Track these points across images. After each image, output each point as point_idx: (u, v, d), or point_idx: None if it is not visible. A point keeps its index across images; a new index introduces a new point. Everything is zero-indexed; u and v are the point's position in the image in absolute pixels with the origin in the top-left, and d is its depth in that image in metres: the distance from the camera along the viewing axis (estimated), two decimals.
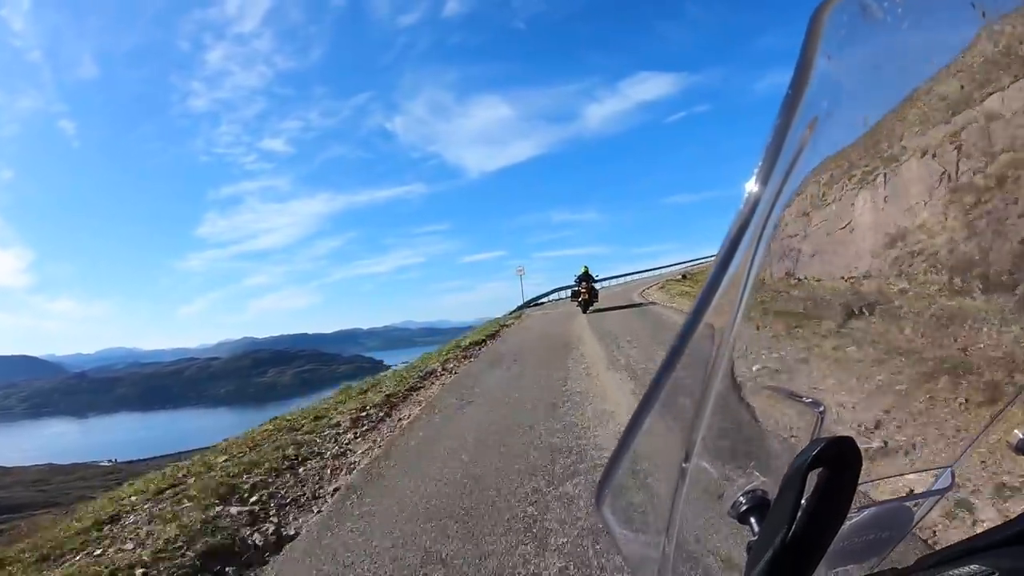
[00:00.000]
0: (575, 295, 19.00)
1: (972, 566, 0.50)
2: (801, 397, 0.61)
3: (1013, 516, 0.59)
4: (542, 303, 31.14)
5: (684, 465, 0.45)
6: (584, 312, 17.84)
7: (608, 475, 0.44)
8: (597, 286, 19.88)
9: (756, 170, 0.38)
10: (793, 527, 0.46)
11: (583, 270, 18.69)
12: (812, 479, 0.46)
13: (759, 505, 0.53)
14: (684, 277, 26.90)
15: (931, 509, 0.72)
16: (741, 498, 0.54)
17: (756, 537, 0.50)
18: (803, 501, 0.46)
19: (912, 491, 0.73)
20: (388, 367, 12.12)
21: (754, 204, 0.37)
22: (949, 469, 0.73)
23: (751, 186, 0.37)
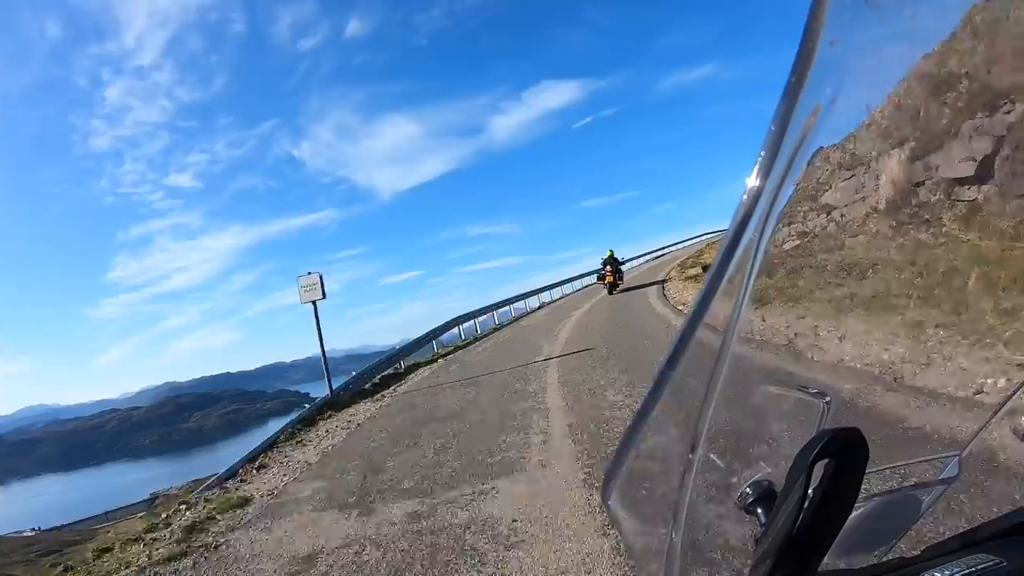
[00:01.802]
0: (601, 278, 19.82)
1: (979, 556, 0.50)
2: (807, 388, 0.61)
3: (1018, 506, 0.59)
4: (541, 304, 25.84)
5: (690, 456, 0.45)
6: (610, 293, 18.82)
7: (614, 468, 0.44)
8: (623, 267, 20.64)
9: (759, 159, 0.37)
10: (800, 518, 0.46)
11: (609, 254, 19.43)
12: (819, 469, 0.46)
13: (766, 496, 0.52)
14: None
15: (938, 498, 0.71)
16: (747, 489, 0.53)
17: (763, 528, 0.50)
18: (810, 492, 0.46)
19: (919, 480, 0.72)
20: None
21: (757, 193, 0.37)
22: (956, 458, 0.72)
23: (754, 176, 0.37)
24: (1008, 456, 2.72)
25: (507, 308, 21.71)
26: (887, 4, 0.39)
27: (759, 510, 0.52)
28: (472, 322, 18.38)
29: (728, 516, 0.55)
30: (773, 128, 0.37)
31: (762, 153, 0.37)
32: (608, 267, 19.05)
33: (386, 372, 12.97)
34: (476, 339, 16.96)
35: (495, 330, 18.56)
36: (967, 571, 0.48)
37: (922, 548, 0.60)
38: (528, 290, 23.95)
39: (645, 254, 34.44)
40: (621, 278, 19.63)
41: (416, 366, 13.63)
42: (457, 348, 15.63)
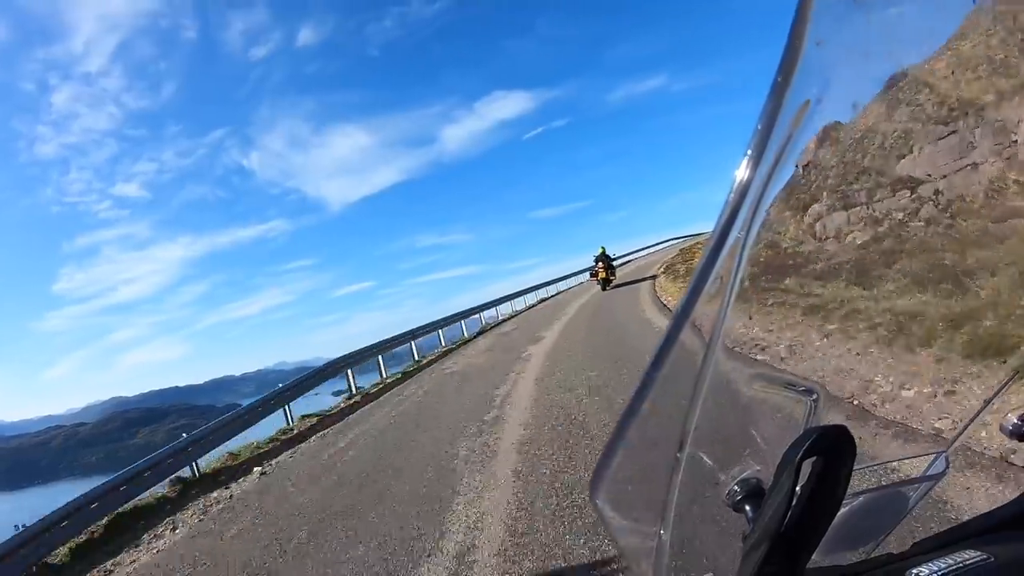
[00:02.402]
0: (594, 275, 19.95)
1: (968, 551, 0.50)
2: (795, 385, 0.61)
3: (1006, 501, 0.60)
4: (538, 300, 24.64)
5: (678, 454, 0.45)
6: (604, 290, 18.82)
7: (603, 466, 0.44)
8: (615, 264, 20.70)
9: (746, 156, 0.37)
10: (788, 515, 0.46)
11: (600, 251, 19.49)
12: (807, 467, 0.46)
13: (754, 493, 0.53)
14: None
15: (926, 494, 0.72)
16: (736, 487, 0.54)
17: (751, 525, 0.50)
18: (798, 489, 0.46)
19: (907, 476, 0.73)
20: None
21: (744, 190, 0.37)
22: (943, 454, 0.73)
23: (741, 172, 0.37)
24: (994, 452, 2.75)
25: (479, 315, 18.89)
26: (874, 4, 0.39)
27: (747, 507, 0.52)
28: (421, 340, 14.87)
29: (716, 513, 0.55)
30: (760, 127, 0.37)
31: (748, 152, 0.37)
32: (600, 264, 19.20)
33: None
34: (410, 371, 12.54)
35: (442, 354, 14.11)
36: (954, 566, 0.48)
37: (910, 544, 0.61)
38: (499, 296, 20.87)
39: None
40: (613, 274, 19.78)
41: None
42: (398, 380, 11.58)
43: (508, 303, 21.44)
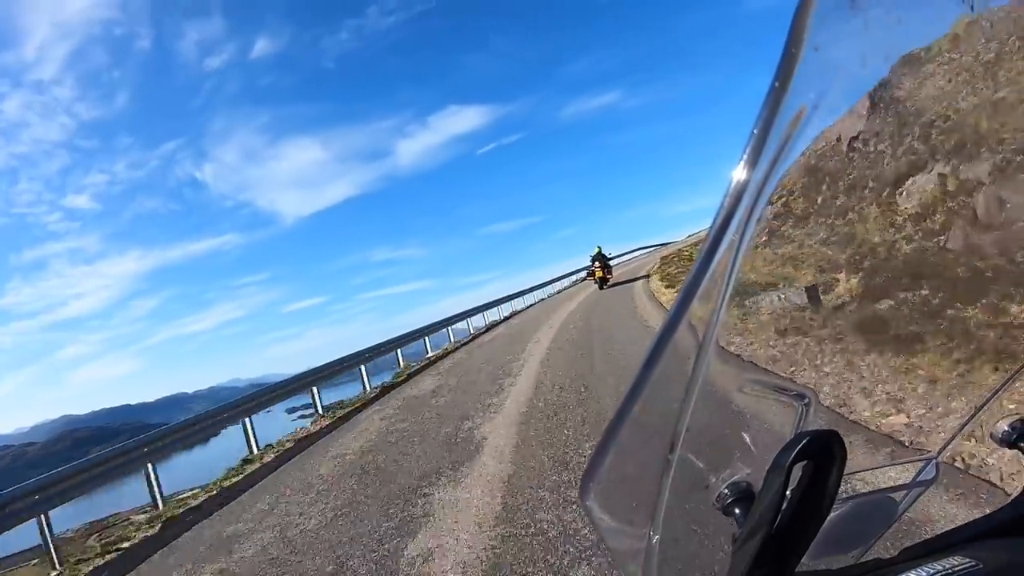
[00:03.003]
0: (591, 274, 20.20)
1: (956, 557, 0.50)
2: (786, 389, 0.61)
3: (995, 508, 0.60)
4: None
5: (669, 456, 0.45)
6: (601, 288, 19.01)
7: (593, 468, 0.44)
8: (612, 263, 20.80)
9: (742, 161, 0.37)
10: (778, 519, 0.46)
11: (597, 250, 19.63)
12: (797, 471, 0.46)
13: (744, 497, 0.53)
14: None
15: (915, 500, 0.72)
16: (726, 490, 0.54)
17: (741, 529, 0.50)
18: (788, 493, 0.46)
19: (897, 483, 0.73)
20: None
21: (739, 194, 0.37)
22: (934, 460, 0.73)
23: (738, 175, 0.37)
24: (984, 458, 2.77)
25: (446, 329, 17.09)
26: (873, 10, 0.39)
27: (737, 510, 0.52)
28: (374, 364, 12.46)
29: (707, 516, 0.55)
30: (756, 132, 0.37)
31: (744, 156, 0.37)
32: (597, 263, 19.33)
33: None
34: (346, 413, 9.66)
35: (398, 381, 11.69)
36: (943, 573, 0.48)
37: (899, 550, 0.61)
38: (472, 307, 19.19)
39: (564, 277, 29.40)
40: (610, 272, 19.93)
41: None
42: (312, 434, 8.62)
43: (479, 315, 19.88)
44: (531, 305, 23.42)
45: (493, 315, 21.23)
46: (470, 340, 16.93)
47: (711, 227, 0.38)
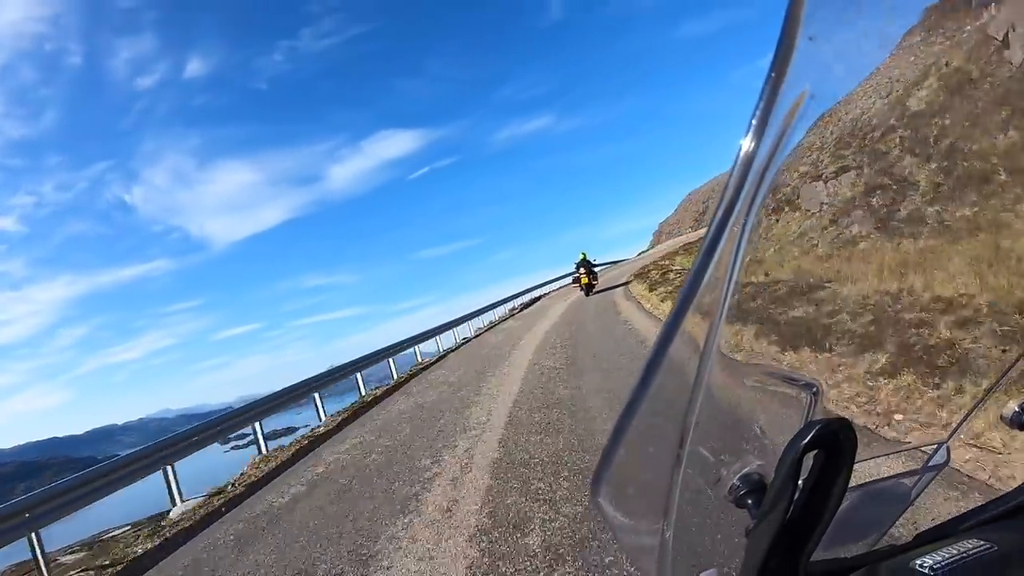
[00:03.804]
0: (576, 280, 19.88)
1: (970, 540, 0.50)
2: (795, 379, 0.61)
3: (1008, 489, 0.60)
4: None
5: (679, 451, 0.45)
6: (587, 295, 18.78)
7: (604, 464, 0.44)
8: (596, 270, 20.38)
9: (742, 151, 0.37)
10: (791, 509, 0.46)
11: (582, 257, 19.49)
12: (808, 460, 0.46)
13: (756, 488, 0.53)
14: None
15: (927, 485, 0.72)
16: (737, 482, 0.53)
17: (754, 520, 0.50)
18: (800, 483, 0.46)
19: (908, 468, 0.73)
20: None
21: (739, 185, 0.37)
22: (944, 445, 0.73)
23: (736, 169, 0.37)
24: (995, 442, 2.76)
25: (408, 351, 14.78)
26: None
27: (750, 502, 0.52)
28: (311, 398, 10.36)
29: (719, 509, 0.55)
30: (754, 122, 0.37)
31: (743, 147, 0.37)
32: (582, 269, 19.25)
33: None
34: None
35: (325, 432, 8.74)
36: (958, 556, 0.48)
37: (913, 535, 0.61)
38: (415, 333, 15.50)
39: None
40: (595, 279, 19.77)
41: None
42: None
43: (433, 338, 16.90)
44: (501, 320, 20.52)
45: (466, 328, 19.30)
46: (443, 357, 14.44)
47: (713, 219, 0.38)
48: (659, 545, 0.48)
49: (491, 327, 19.71)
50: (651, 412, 0.42)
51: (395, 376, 13.20)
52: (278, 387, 10.52)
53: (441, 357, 15.07)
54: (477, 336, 18.30)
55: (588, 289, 19.03)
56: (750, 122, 0.37)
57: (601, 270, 26.04)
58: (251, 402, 9.50)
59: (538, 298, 27.48)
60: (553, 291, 29.00)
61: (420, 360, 15.10)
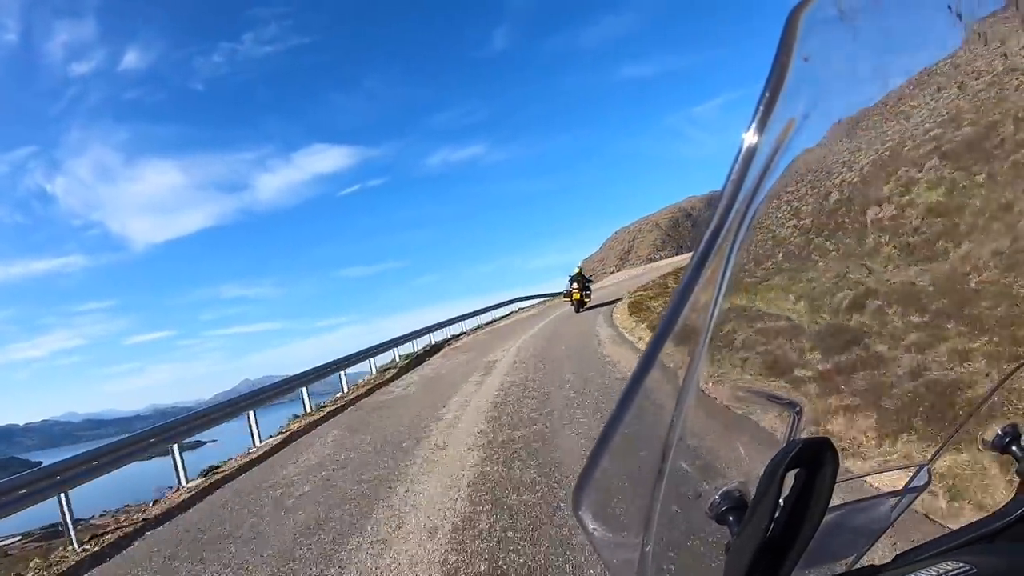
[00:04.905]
0: (567, 295, 19.07)
1: (950, 563, 0.50)
2: (778, 397, 0.61)
3: (988, 513, 0.60)
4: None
5: (661, 465, 0.45)
6: (577, 311, 18.06)
7: (585, 477, 0.44)
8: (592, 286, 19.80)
9: (734, 168, 0.37)
10: (771, 527, 0.46)
11: (577, 271, 18.95)
12: (790, 479, 0.46)
13: (737, 505, 0.53)
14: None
15: (908, 507, 0.72)
16: (719, 498, 0.53)
17: (734, 537, 0.50)
18: (781, 501, 0.46)
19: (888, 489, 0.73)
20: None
21: (729, 205, 0.37)
22: (925, 467, 0.73)
23: (727, 189, 0.37)
24: (976, 464, 2.78)
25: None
26: (862, 21, 0.40)
27: (731, 519, 0.52)
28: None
29: (700, 525, 0.55)
30: (747, 142, 0.37)
31: (735, 167, 0.37)
32: (575, 284, 18.67)
33: None
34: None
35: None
36: None
37: (892, 556, 0.61)
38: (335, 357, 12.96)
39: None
40: (588, 296, 19.10)
41: None
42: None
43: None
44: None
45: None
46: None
47: (705, 234, 0.38)
48: (639, 559, 0.48)
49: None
50: (634, 426, 0.42)
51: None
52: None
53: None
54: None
55: (579, 305, 18.37)
56: (740, 143, 0.37)
57: (535, 303, 24.65)
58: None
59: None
60: (501, 325, 22.12)
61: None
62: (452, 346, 17.86)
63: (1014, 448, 0.63)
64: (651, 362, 0.41)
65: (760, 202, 0.38)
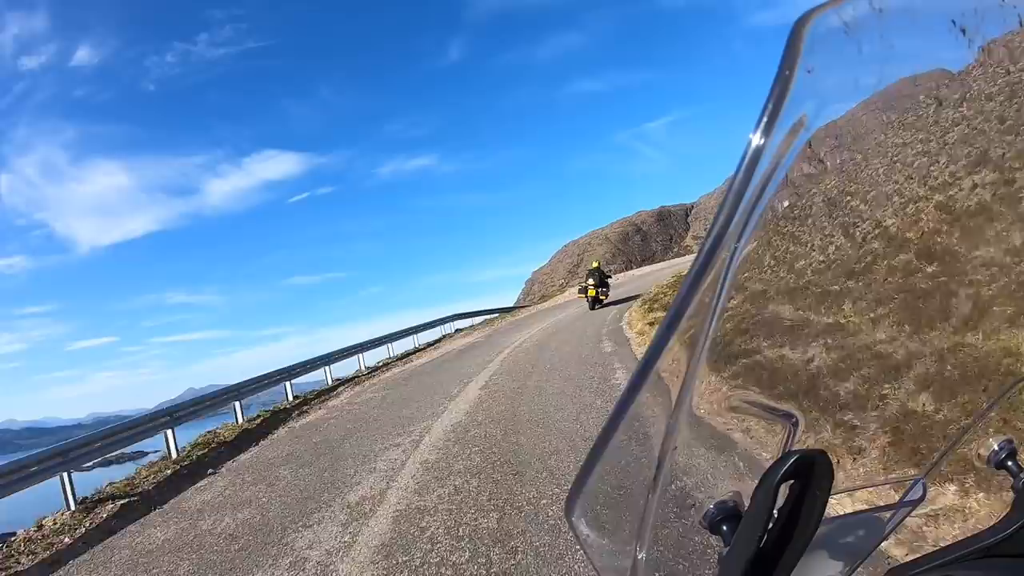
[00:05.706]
0: (583, 291, 18.27)
1: None
2: (774, 409, 0.61)
3: (980, 529, 0.60)
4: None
5: (656, 474, 0.45)
6: (592, 308, 17.30)
7: (579, 484, 0.43)
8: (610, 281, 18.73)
9: (735, 179, 0.37)
10: (765, 538, 0.46)
11: (595, 265, 18.34)
12: (784, 490, 0.46)
13: (731, 516, 0.52)
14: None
15: (902, 520, 0.72)
16: (713, 508, 0.53)
17: (728, 547, 0.50)
18: (775, 512, 0.46)
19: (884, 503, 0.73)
20: None
21: (730, 216, 0.37)
22: (920, 481, 0.73)
23: (728, 198, 0.37)
24: (971, 478, 2.78)
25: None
26: (866, 34, 0.40)
27: (724, 529, 0.52)
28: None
29: (694, 535, 0.54)
30: (749, 153, 0.37)
31: (737, 176, 0.37)
32: (591, 280, 17.82)
33: None
34: None
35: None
36: None
37: (886, 570, 0.61)
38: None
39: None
40: (606, 293, 18.07)
41: None
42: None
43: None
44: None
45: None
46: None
47: (702, 246, 0.38)
48: (631, 567, 0.48)
49: None
50: (629, 434, 0.42)
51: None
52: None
53: None
54: None
55: (594, 302, 17.50)
56: (743, 153, 0.37)
57: (486, 318, 22.14)
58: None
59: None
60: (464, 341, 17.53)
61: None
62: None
63: (1010, 463, 0.63)
64: (648, 369, 0.41)
65: (760, 210, 0.38)
